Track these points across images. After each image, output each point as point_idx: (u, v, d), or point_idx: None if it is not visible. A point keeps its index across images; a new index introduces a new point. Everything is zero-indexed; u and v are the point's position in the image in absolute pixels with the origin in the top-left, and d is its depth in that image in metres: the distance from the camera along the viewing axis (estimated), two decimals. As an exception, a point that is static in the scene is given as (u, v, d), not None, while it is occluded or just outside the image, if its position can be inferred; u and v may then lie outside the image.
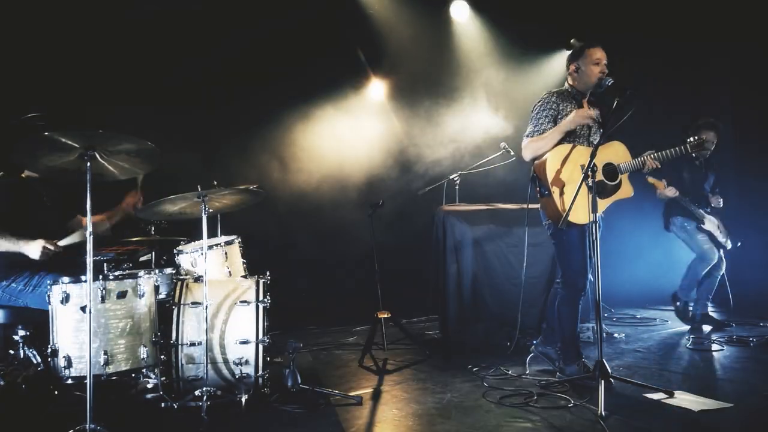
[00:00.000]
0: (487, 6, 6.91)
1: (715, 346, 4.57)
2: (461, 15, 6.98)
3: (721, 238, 5.29)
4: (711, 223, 5.27)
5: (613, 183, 3.62)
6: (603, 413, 2.91)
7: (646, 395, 3.27)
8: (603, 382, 3.04)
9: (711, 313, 5.53)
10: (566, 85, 3.76)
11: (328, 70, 6.47)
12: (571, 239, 3.60)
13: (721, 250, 5.33)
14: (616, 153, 3.66)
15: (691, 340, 4.83)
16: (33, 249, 3.33)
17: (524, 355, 4.07)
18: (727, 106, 7.06)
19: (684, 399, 3.20)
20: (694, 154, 3.88)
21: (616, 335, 5.10)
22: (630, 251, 6.92)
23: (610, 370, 3.13)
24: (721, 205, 5.35)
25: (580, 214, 3.42)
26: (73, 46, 5.17)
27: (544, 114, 3.64)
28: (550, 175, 3.53)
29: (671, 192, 5.14)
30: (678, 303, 5.49)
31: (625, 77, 3.48)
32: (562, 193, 3.51)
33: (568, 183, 3.52)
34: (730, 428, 2.85)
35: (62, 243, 3.38)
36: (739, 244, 5.44)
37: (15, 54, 4.93)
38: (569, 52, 3.83)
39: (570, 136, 3.64)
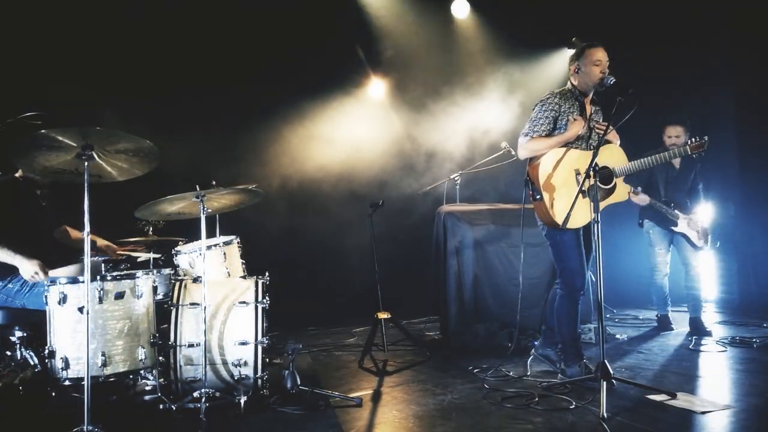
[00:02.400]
0: (488, 4, 6.89)
1: (718, 348, 4.54)
2: (462, 13, 6.95)
3: (696, 240, 5.19)
4: (684, 224, 5.18)
5: (608, 187, 3.60)
6: (605, 415, 2.88)
7: (648, 397, 3.25)
8: (605, 383, 3.01)
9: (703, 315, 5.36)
10: (569, 84, 3.74)
11: (327, 69, 6.46)
12: (566, 240, 3.59)
13: (698, 251, 5.24)
14: (612, 156, 3.63)
15: (693, 341, 4.79)
16: (26, 268, 3.29)
17: (525, 356, 4.04)
18: (730, 105, 7.02)
19: (686, 400, 3.17)
20: (694, 155, 3.77)
21: (618, 336, 5.07)
22: (632, 252, 6.89)
23: (612, 372, 3.10)
24: (695, 214, 5.19)
25: (574, 219, 3.39)
26: (70, 43, 5.15)
27: (545, 115, 3.61)
28: (543, 180, 3.53)
29: (641, 200, 5.08)
30: (657, 316, 5.51)
31: (626, 77, 3.45)
32: (553, 198, 3.50)
33: (560, 187, 3.51)
34: (733, 430, 2.82)
35: (53, 273, 3.34)
36: (717, 244, 5.36)
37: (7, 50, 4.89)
38: (571, 52, 3.81)
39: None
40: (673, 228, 5.21)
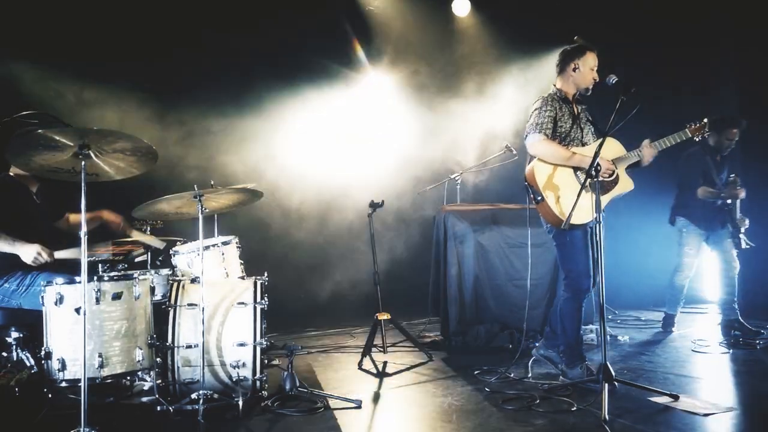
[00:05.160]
0: (488, 2, 6.86)
1: (721, 349, 4.51)
2: (462, 10, 6.93)
3: (744, 242, 5.04)
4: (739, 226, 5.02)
5: (611, 178, 3.57)
6: (607, 417, 2.85)
7: (650, 399, 3.22)
8: (607, 385, 2.98)
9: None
10: (553, 89, 3.72)
11: (326, 68, 6.43)
12: (573, 240, 3.56)
13: (735, 252, 5.10)
14: (609, 149, 3.59)
15: (696, 343, 4.76)
16: (27, 252, 3.28)
17: (526, 358, 4.01)
18: (733, 105, 6.97)
19: (689, 403, 3.14)
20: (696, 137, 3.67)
21: (620, 338, 5.04)
22: (635, 252, 6.86)
23: (614, 373, 3.07)
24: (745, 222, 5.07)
25: (579, 214, 3.36)
26: (68, 40, 5.11)
27: (547, 113, 3.59)
28: (541, 181, 3.53)
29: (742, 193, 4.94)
30: (664, 318, 5.39)
31: (628, 74, 3.43)
32: (554, 197, 3.50)
33: (560, 186, 3.50)
34: (737, 433, 2.79)
35: (57, 255, 3.33)
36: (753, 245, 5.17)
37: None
38: (568, 49, 3.77)
39: (563, 139, 3.60)
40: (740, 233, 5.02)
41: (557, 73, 3.74)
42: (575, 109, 3.73)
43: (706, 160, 5.04)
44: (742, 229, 5.08)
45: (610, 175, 3.52)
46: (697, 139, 3.65)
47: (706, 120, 3.63)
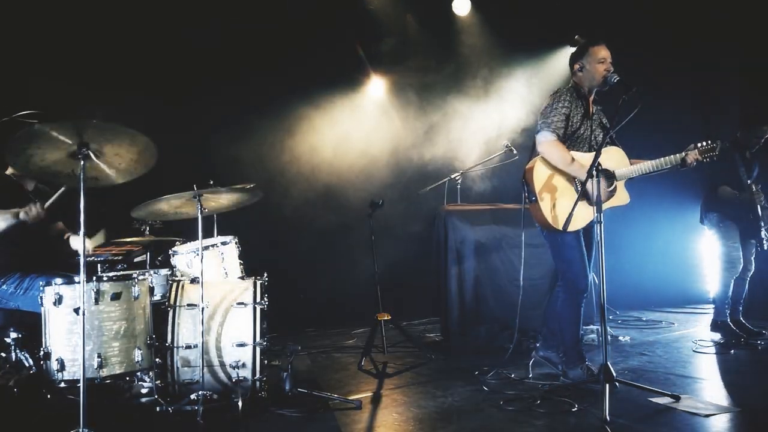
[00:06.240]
0: (488, 1, 6.85)
1: (722, 350, 4.49)
2: (463, 10, 6.92)
3: (765, 242, 4.93)
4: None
5: (609, 189, 3.55)
6: (607, 417, 2.84)
7: (651, 399, 3.20)
8: (608, 385, 2.97)
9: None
10: (571, 83, 3.69)
11: (326, 68, 6.42)
12: (566, 241, 3.55)
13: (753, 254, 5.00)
14: (613, 159, 3.58)
15: (697, 343, 4.75)
16: (24, 212, 3.25)
17: (527, 358, 4.00)
18: (734, 106, 6.97)
19: (690, 403, 3.13)
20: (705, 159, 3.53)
21: (621, 338, 5.03)
22: (636, 253, 6.85)
23: (615, 374, 3.06)
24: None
25: (573, 222, 3.33)
26: (57, 34, 5.09)
27: (560, 111, 3.53)
28: (537, 183, 3.52)
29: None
30: (718, 324, 4.98)
31: (630, 75, 3.40)
32: (548, 201, 3.49)
33: (556, 191, 3.50)
34: (739, 433, 2.78)
35: (47, 205, 3.30)
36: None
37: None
38: (572, 51, 3.75)
39: (572, 136, 3.57)
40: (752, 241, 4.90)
41: (571, 72, 3.72)
42: (591, 109, 3.68)
43: (735, 157, 4.89)
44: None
45: (608, 186, 3.51)
46: (705, 160, 3.46)
47: (719, 142, 3.45)
